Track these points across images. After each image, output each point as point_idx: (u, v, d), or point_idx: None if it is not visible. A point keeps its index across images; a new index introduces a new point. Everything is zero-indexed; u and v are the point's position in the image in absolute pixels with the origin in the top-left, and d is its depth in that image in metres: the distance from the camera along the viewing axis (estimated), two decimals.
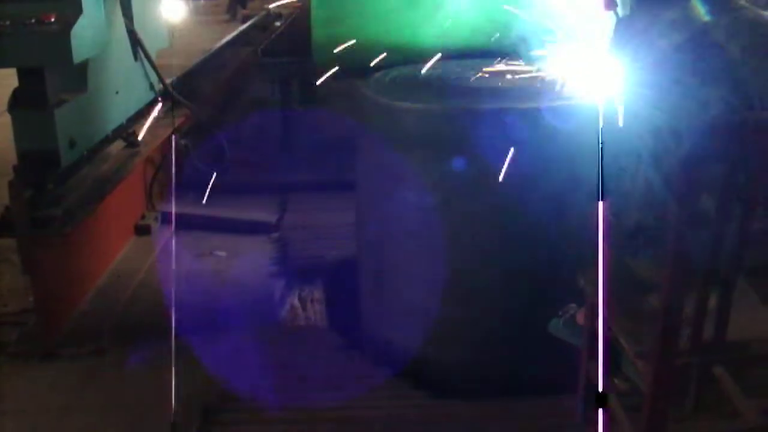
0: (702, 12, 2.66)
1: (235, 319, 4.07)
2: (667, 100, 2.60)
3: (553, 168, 3.35)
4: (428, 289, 3.58)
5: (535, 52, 4.02)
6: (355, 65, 4.25)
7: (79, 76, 4.40)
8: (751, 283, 2.76)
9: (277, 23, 10.76)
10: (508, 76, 3.86)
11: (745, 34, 2.62)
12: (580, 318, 3.15)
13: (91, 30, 4.21)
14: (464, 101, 3.49)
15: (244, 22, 11.58)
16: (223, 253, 4.78)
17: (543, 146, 3.32)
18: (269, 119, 6.03)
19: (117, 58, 4.86)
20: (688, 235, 2.40)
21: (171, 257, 4.72)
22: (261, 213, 5.24)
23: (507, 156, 3.30)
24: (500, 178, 3.33)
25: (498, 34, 4.27)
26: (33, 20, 3.99)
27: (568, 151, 3.23)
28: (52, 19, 4.00)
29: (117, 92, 4.88)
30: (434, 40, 5.26)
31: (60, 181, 4.17)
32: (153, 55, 5.43)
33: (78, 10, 4.10)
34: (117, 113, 4.94)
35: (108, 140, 4.83)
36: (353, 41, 4.40)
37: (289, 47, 6.66)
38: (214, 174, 5.74)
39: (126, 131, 5.04)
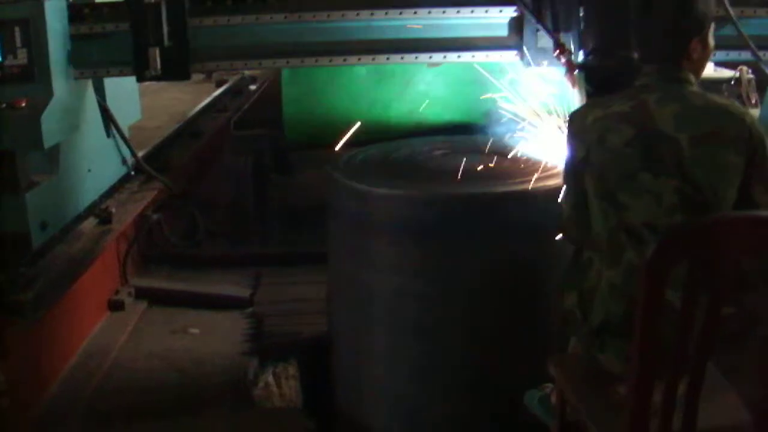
0: (650, 101, 2.66)
1: (209, 400, 4.04)
2: (622, 195, 2.63)
3: (525, 254, 3.38)
4: (404, 375, 3.57)
5: (508, 131, 4.07)
6: (326, 141, 4.27)
7: (51, 157, 4.40)
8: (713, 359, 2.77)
9: (252, 87, 10.83)
10: (479, 157, 3.88)
11: (694, 124, 2.62)
12: (554, 398, 3.15)
13: (62, 113, 4.23)
14: (436, 186, 3.49)
15: (218, 84, 11.63)
16: (196, 330, 4.76)
17: (513, 232, 3.35)
18: (242, 190, 6.02)
19: (89, 136, 4.86)
20: (655, 328, 2.42)
21: (144, 335, 4.72)
22: (234, 287, 5.23)
23: (480, 240, 3.33)
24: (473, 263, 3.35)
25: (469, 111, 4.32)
26: (4, 105, 4.02)
27: (538, 239, 3.26)
28: (23, 104, 4.02)
29: (89, 170, 4.88)
30: (405, 116, 5.34)
31: (31, 263, 4.15)
32: (125, 130, 5.45)
33: (49, 94, 4.12)
34: (89, 191, 4.94)
35: (80, 218, 4.82)
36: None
37: (261, 117, 6.70)
38: (188, 247, 5.77)
39: (99, 208, 5.03)
